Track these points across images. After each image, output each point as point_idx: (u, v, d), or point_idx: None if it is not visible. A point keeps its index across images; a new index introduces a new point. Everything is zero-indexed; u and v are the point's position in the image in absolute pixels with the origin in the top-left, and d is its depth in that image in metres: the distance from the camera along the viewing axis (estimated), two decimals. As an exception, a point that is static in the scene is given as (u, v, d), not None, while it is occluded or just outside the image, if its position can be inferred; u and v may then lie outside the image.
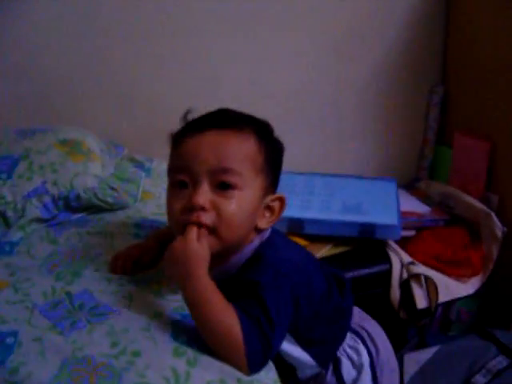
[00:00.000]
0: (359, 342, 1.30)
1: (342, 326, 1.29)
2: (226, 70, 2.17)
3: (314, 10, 2.20)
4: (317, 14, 2.21)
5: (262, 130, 1.14)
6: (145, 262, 1.27)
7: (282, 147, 1.19)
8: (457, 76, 2.38)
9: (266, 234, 1.17)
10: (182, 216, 1.06)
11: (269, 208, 1.14)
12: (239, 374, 0.94)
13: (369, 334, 1.32)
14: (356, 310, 1.37)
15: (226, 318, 0.98)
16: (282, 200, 1.16)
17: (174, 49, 2.09)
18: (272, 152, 1.14)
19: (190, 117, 1.18)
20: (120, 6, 1.97)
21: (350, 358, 1.27)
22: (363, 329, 1.33)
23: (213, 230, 1.06)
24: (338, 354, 1.27)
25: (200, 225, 1.04)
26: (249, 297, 1.02)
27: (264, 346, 0.98)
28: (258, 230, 1.14)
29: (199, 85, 2.16)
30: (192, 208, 1.04)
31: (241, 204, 1.06)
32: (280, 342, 1.07)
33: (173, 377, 0.92)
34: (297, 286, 1.08)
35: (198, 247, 1.03)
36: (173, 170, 1.11)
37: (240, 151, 1.08)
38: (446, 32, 2.39)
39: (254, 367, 0.97)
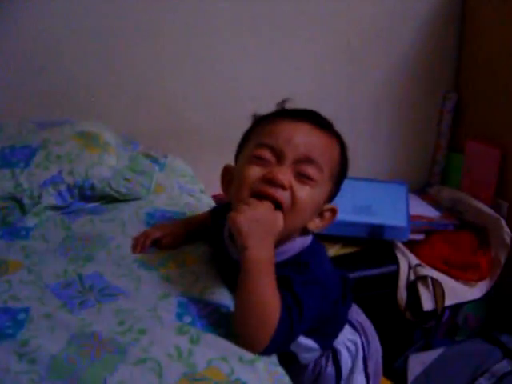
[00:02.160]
0: (357, 335, 1.35)
1: (342, 319, 1.34)
2: (242, 70, 2.20)
3: (329, 14, 2.23)
4: (331, 18, 2.24)
5: (343, 145, 1.19)
6: (166, 243, 1.32)
7: (347, 172, 1.23)
8: (470, 83, 2.40)
9: (308, 240, 1.19)
10: (259, 185, 1.08)
11: (321, 215, 1.17)
12: (241, 353, 0.97)
13: (363, 328, 1.38)
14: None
15: (275, 296, 1.01)
16: (334, 211, 1.18)
17: (192, 49, 2.12)
18: (344, 167, 1.19)
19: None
20: (139, 7, 2.00)
21: (348, 350, 1.32)
22: (359, 323, 1.38)
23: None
24: (339, 346, 1.31)
25: (275, 202, 1.07)
26: (287, 290, 1.05)
27: (288, 337, 1.04)
28: (303, 231, 1.17)
29: (216, 85, 2.19)
30: (272, 181, 1.07)
31: (311, 196, 1.10)
32: (298, 337, 1.12)
33: (176, 353, 0.95)
34: (324, 297, 1.12)
35: (278, 218, 1.06)
36: (261, 145, 1.11)
37: (327, 151, 1.13)
38: (460, 39, 2.41)
39: (269, 351, 1.00)
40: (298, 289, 1.05)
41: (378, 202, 2.08)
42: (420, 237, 2.11)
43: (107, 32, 2.00)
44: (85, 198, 1.56)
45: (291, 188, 1.08)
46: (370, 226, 1.96)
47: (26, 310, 1.06)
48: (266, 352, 0.99)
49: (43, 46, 1.96)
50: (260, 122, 1.19)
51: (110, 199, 1.58)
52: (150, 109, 2.15)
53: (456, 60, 2.45)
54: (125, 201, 1.58)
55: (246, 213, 1.04)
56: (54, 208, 1.51)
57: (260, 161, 1.10)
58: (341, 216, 1.93)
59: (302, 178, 1.09)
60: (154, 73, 2.11)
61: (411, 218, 2.06)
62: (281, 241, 1.11)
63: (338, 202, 2.03)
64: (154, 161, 1.80)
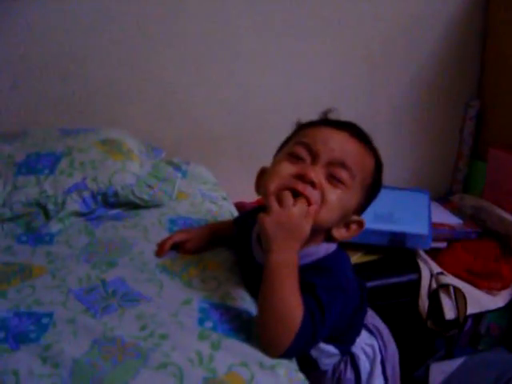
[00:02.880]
0: (374, 339, 1.35)
1: (360, 324, 1.34)
2: (263, 79, 2.22)
3: (350, 22, 2.24)
4: (352, 26, 2.25)
5: (379, 162, 1.21)
6: (190, 246, 1.35)
7: (380, 190, 1.24)
8: (492, 91, 2.39)
9: (333, 246, 1.20)
10: (290, 180, 1.10)
11: (347, 225, 1.18)
12: (261, 358, 0.98)
13: (379, 332, 1.38)
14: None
15: (296, 299, 1.01)
16: (361, 224, 1.19)
17: (213, 58, 2.14)
18: (377, 183, 1.21)
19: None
20: (161, 16, 2.03)
21: (366, 355, 1.32)
22: (375, 327, 1.38)
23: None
24: (357, 350, 1.31)
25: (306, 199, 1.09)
26: (310, 295, 1.05)
27: (309, 340, 1.04)
28: (328, 237, 1.18)
29: (237, 93, 2.21)
30: (303, 177, 1.09)
31: (341, 198, 1.11)
32: (319, 342, 1.14)
33: (197, 358, 0.96)
34: (346, 303, 1.12)
35: (307, 224, 1.06)
36: (299, 143, 1.15)
37: (362, 160, 1.15)
38: (482, 46, 2.40)
39: (289, 354, 1.00)
40: (321, 294, 1.06)
41: (400, 210, 2.07)
42: (442, 245, 2.10)
43: (130, 40, 2.03)
44: (108, 205, 1.59)
45: (321, 188, 1.09)
46: (392, 233, 1.95)
47: (50, 315, 1.08)
48: (286, 354, 1.00)
49: (67, 53, 2.00)
50: (302, 127, 1.22)
51: (133, 206, 1.60)
52: (172, 117, 2.17)
53: (478, 67, 2.44)
54: (147, 207, 1.60)
55: (274, 215, 1.05)
56: (78, 214, 1.54)
57: (295, 159, 1.13)
58: (362, 224, 1.96)
59: (334, 180, 1.11)
60: (176, 81, 2.13)
61: (433, 226, 2.05)
62: (306, 242, 1.11)
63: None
64: (177, 168, 1.82)
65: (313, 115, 2.19)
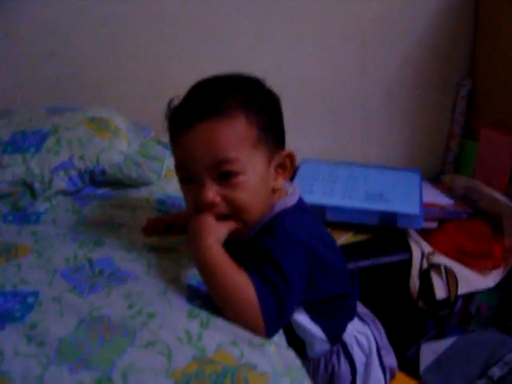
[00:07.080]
0: (367, 326, 1.32)
1: (350, 307, 1.30)
2: (254, 57, 2.19)
3: (341, 1, 2.22)
4: (344, 3, 2.23)
5: (250, 97, 1.10)
6: (179, 225, 1.31)
7: (277, 98, 1.16)
8: (484, 70, 2.38)
9: (290, 201, 1.17)
10: (197, 212, 1.09)
11: (280, 166, 1.15)
12: (251, 337, 0.96)
13: (372, 320, 1.36)
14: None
15: (238, 279, 1.00)
16: (291, 155, 1.14)
17: (203, 34, 2.12)
18: (265, 115, 1.11)
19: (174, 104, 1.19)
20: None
21: (359, 344, 1.28)
22: (367, 315, 1.36)
23: (233, 216, 1.09)
24: (348, 339, 1.27)
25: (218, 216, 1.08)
26: (262, 261, 1.04)
27: (279, 306, 1.00)
28: (275, 190, 1.15)
29: (228, 69, 2.18)
30: (203, 206, 1.07)
31: (248, 186, 1.07)
32: (294, 305, 1.07)
33: (185, 337, 0.94)
34: (311, 256, 1.09)
35: (211, 220, 1.06)
36: (177, 168, 1.14)
37: (231, 137, 1.05)
38: (474, 25, 2.39)
39: (270, 328, 0.98)
40: (277, 255, 1.03)
41: (391, 190, 2.06)
42: (433, 225, 2.09)
43: (117, 18, 2.01)
44: (96, 183, 1.57)
45: (223, 196, 1.07)
46: (383, 213, 1.94)
47: (36, 294, 1.06)
48: (269, 330, 0.98)
49: (52, 32, 1.97)
50: (169, 129, 1.17)
51: (120, 184, 1.58)
52: (161, 95, 2.12)
53: (470, 47, 2.42)
54: (136, 186, 1.58)
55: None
56: (65, 193, 1.52)
57: (186, 182, 1.12)
58: (353, 203, 1.96)
59: (227, 177, 1.06)
60: (165, 59, 2.11)
61: (424, 206, 2.04)
62: (259, 214, 1.12)
63: (350, 189, 2.04)
64: (166, 146, 1.79)
65: (304, 95, 2.17)
